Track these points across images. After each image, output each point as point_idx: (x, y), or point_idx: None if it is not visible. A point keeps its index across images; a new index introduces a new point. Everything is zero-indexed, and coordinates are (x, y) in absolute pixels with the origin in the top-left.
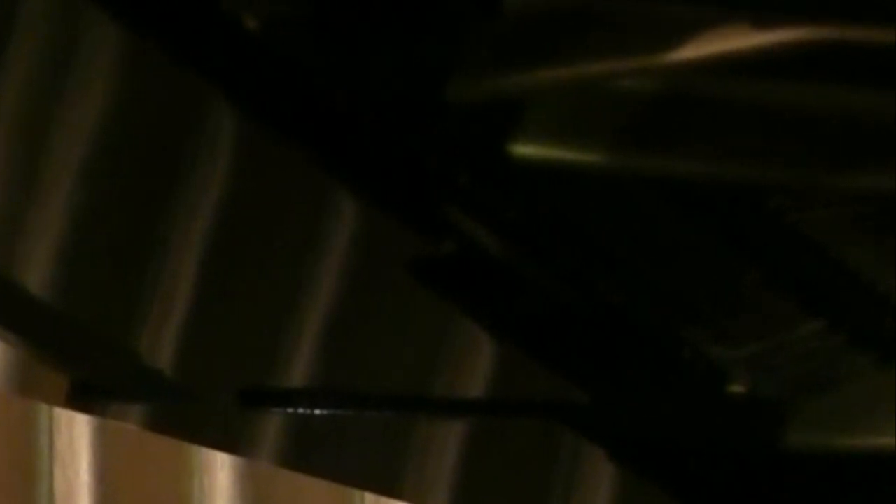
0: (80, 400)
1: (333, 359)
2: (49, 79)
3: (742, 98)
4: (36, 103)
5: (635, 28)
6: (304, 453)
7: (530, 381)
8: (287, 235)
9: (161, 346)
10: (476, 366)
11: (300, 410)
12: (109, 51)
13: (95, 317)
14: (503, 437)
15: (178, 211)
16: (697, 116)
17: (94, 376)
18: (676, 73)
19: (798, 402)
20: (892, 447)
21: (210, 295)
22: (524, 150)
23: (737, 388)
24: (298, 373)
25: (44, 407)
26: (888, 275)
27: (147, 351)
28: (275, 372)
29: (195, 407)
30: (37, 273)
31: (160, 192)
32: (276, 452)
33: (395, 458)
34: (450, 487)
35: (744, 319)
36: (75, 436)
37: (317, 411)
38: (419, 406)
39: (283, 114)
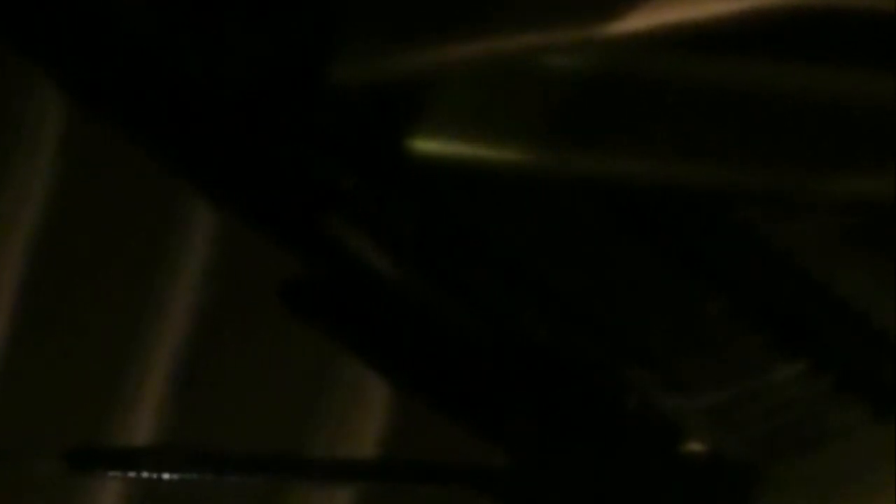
0: None
1: (185, 410)
2: None
3: (702, 81)
4: None
5: None
6: None
7: (435, 437)
8: (127, 255)
9: None
10: (366, 418)
11: (144, 474)
12: None
13: None
14: None
15: None
16: (645, 104)
17: None
18: (618, 48)
19: (772, 464)
20: None
21: (29, 333)
22: (426, 145)
23: (695, 447)
24: (141, 429)
25: None
26: (885, 304)
27: None
28: (112, 428)
29: (12, 472)
30: None
31: None
32: None
33: None
34: None
35: (704, 360)
36: None
37: (165, 475)
38: (294, 469)
39: (123, 100)
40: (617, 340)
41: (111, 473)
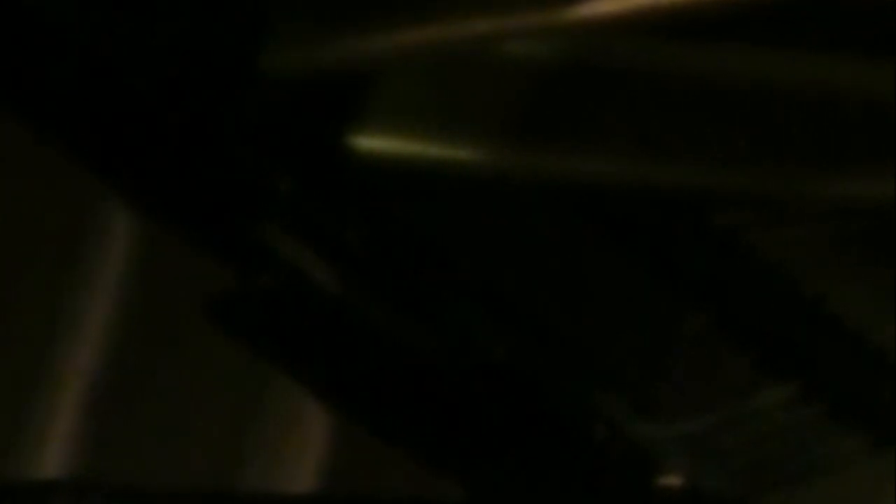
0: None
1: (103, 440)
2: None
3: (677, 72)
4: None
5: None
6: None
7: (380, 469)
8: (38, 266)
9: None
10: (303, 448)
11: None
12: None
13: None
14: None
15: None
16: (613, 97)
17: None
18: (584, 35)
19: (758, 499)
20: None
21: None
22: (369, 143)
23: (671, 480)
24: (52, 459)
25: None
26: (883, 321)
27: None
28: (20, 459)
29: None
30: None
31: None
32: None
33: None
34: None
35: (682, 383)
36: None
37: None
38: None
39: (35, 95)
40: (584, 361)
41: None
